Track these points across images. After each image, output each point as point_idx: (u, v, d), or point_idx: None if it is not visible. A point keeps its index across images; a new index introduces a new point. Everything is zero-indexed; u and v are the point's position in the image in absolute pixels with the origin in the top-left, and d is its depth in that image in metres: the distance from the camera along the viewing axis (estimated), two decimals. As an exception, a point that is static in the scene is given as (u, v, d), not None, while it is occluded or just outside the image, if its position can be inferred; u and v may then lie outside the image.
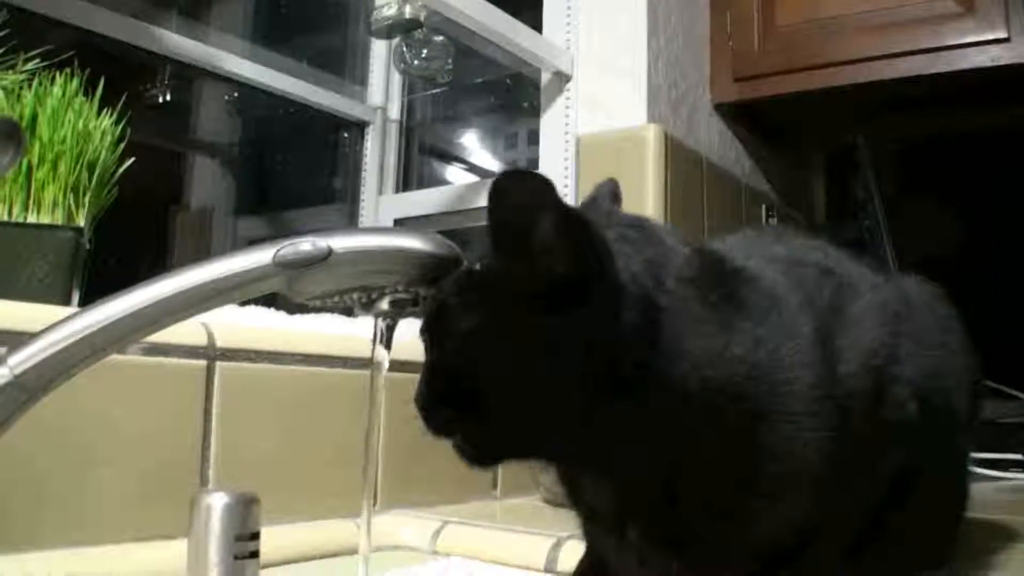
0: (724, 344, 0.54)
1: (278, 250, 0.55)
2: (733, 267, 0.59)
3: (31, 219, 0.93)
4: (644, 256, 0.53)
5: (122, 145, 1.02)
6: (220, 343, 0.92)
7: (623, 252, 0.53)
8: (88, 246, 0.97)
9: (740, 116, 1.91)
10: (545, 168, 1.63)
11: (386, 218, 1.90)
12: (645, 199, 1.50)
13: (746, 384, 0.54)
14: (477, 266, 0.54)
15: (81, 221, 0.96)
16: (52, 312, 0.74)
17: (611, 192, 0.66)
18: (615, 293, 0.51)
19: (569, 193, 1.58)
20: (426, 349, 0.56)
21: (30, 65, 0.97)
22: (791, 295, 0.59)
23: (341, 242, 0.56)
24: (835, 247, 0.72)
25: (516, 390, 0.52)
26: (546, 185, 0.49)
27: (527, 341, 0.51)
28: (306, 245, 0.55)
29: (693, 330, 0.53)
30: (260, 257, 0.56)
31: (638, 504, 0.57)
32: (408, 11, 1.64)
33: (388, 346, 0.62)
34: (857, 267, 0.69)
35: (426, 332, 0.56)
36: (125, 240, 1.30)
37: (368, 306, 0.59)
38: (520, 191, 0.50)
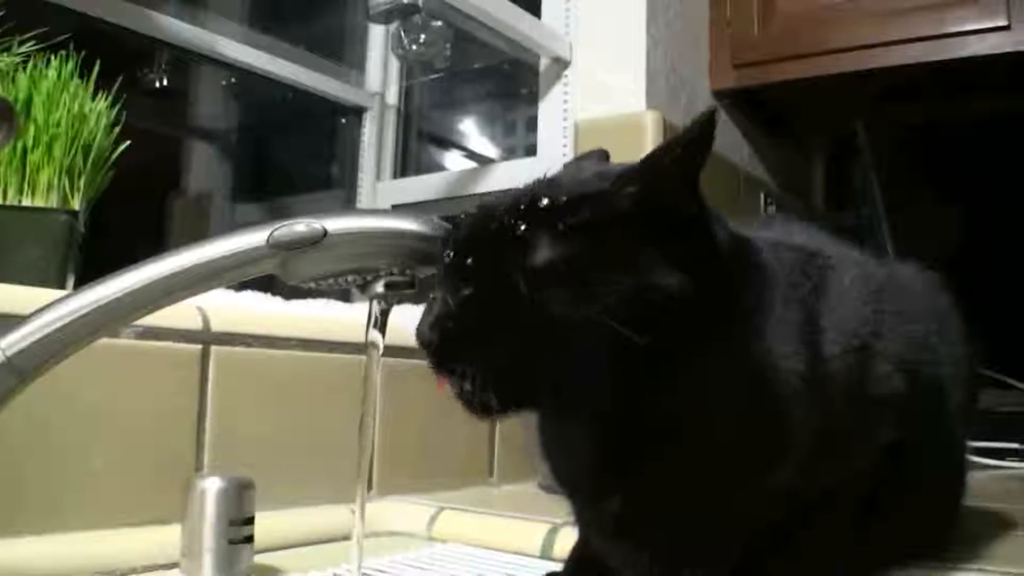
0: (758, 317, 0.55)
1: (273, 231, 0.55)
2: (755, 247, 0.60)
3: (26, 202, 0.93)
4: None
5: (117, 128, 1.01)
6: (215, 327, 0.92)
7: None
8: (83, 230, 0.96)
9: (739, 103, 1.90)
10: (543, 153, 1.63)
11: (384, 204, 1.90)
12: (643, 186, 1.49)
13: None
14: (544, 200, 0.52)
15: (76, 205, 0.95)
16: (46, 295, 0.74)
17: (600, 160, 0.66)
18: (714, 249, 0.53)
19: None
20: (455, 275, 0.53)
21: (25, 47, 0.96)
22: (779, 279, 0.59)
23: (336, 224, 0.56)
24: (824, 231, 0.72)
25: (586, 326, 0.49)
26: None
27: (624, 270, 0.50)
28: (301, 227, 0.55)
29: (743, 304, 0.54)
30: (255, 238, 0.55)
31: (620, 474, 0.57)
32: (406, -4, 1.64)
33: (383, 330, 0.62)
34: (841, 247, 0.69)
35: (470, 257, 0.52)
36: (123, 225, 1.29)
37: (363, 288, 0.59)
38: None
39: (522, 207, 0.52)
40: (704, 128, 0.49)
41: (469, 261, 0.53)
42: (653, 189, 0.50)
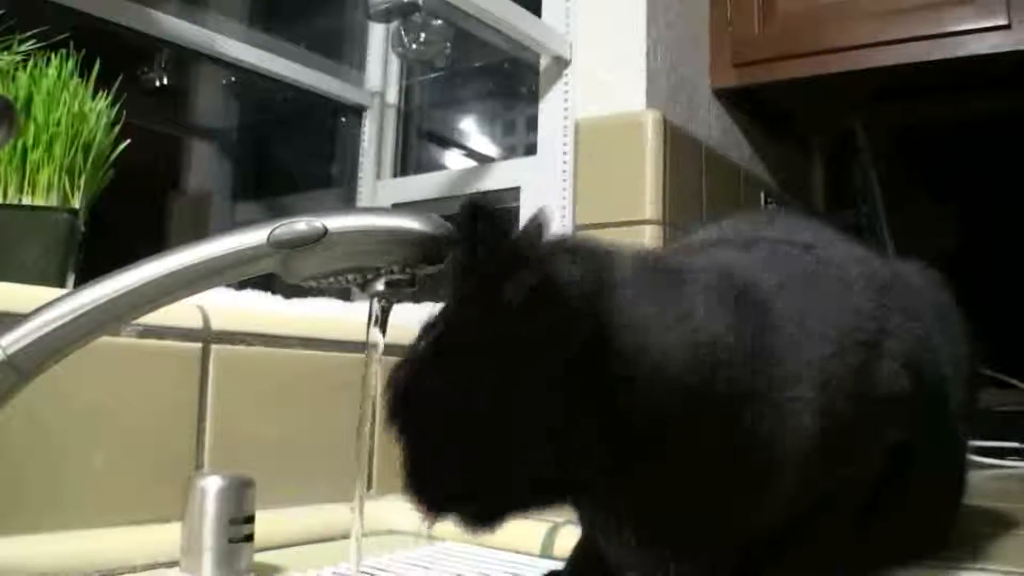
0: (675, 323, 0.53)
1: (273, 230, 0.55)
2: (677, 265, 0.59)
3: (26, 201, 0.93)
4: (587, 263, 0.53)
5: (117, 127, 1.01)
6: (216, 326, 0.92)
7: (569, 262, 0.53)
8: (83, 229, 0.96)
9: (740, 102, 1.90)
10: (543, 152, 1.63)
11: (384, 203, 1.89)
12: (643, 185, 1.50)
13: (723, 368, 0.53)
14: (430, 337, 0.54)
15: (76, 203, 0.95)
16: (46, 294, 0.74)
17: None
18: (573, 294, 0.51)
19: (567, 178, 1.57)
20: (404, 432, 0.55)
21: (25, 46, 0.96)
22: (769, 277, 0.59)
23: (336, 222, 0.56)
24: (828, 228, 0.72)
25: (516, 419, 0.51)
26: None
27: (518, 360, 0.51)
28: (301, 225, 0.55)
29: (644, 314, 0.53)
30: (255, 237, 0.55)
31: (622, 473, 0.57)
32: (406, -6, 1.64)
33: (383, 328, 0.62)
34: (845, 244, 0.69)
35: (402, 415, 0.55)
36: (123, 224, 1.29)
37: (363, 287, 0.59)
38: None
39: (405, 369, 0.55)
40: (467, 223, 0.52)
41: (399, 434, 0.56)
42: (471, 292, 0.52)
